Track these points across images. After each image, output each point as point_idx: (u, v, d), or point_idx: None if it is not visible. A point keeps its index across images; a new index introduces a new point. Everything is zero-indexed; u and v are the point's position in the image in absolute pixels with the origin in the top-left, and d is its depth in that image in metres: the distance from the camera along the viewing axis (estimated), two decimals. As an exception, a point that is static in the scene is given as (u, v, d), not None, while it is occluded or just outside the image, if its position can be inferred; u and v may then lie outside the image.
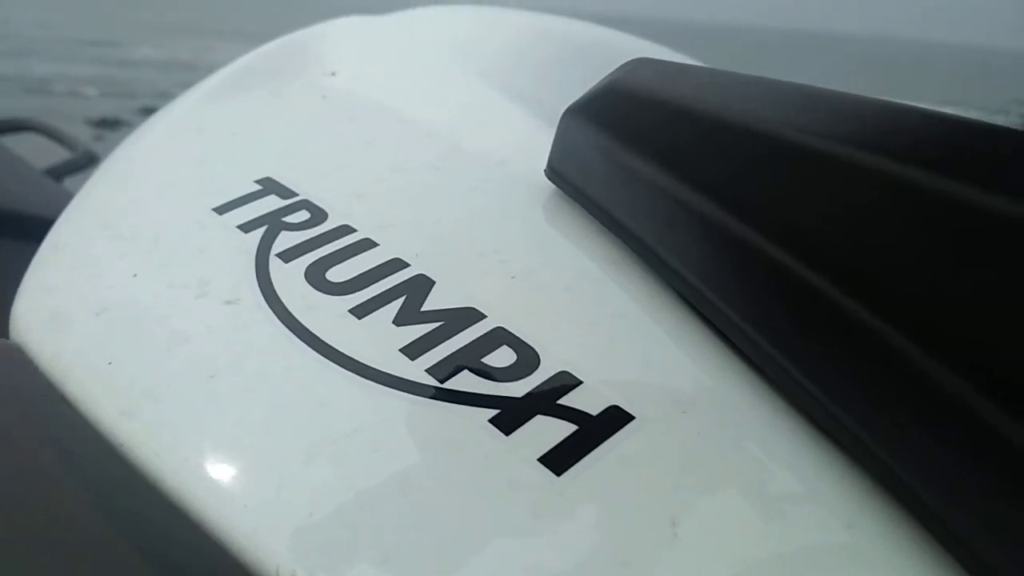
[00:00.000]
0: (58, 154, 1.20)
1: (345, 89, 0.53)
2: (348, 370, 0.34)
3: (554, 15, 0.63)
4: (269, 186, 0.46)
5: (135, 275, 0.41)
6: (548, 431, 0.32)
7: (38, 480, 0.33)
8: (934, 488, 0.26)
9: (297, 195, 0.45)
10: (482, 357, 0.35)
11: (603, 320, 0.37)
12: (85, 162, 1.17)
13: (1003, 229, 0.25)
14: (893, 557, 0.28)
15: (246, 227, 0.43)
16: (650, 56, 0.43)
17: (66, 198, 1.02)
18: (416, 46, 0.57)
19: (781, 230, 0.30)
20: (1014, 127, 0.28)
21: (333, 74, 0.54)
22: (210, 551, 0.30)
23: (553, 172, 0.44)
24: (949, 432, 0.25)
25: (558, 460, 0.31)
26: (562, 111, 0.44)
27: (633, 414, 0.32)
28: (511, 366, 0.35)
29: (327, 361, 0.35)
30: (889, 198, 0.27)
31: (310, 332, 0.36)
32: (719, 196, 0.32)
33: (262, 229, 0.42)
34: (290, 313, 0.37)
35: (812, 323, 0.29)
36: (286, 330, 0.37)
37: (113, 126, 5.92)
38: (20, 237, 0.94)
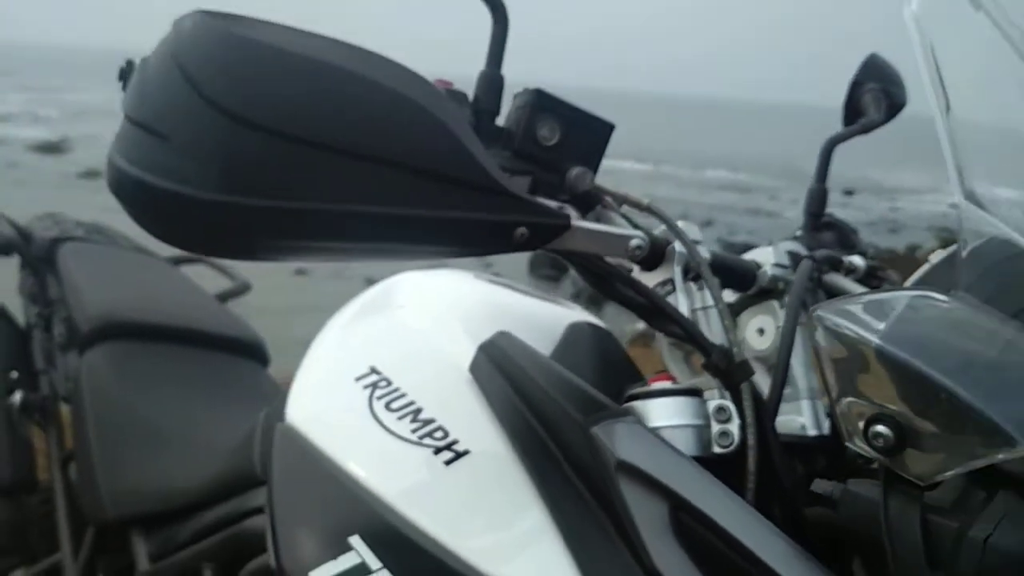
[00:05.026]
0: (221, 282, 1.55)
1: (413, 315, 0.81)
2: None
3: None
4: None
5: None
6: None
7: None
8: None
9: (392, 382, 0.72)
10: None
11: None
12: (242, 289, 1.50)
13: None
14: None
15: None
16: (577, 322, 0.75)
17: (229, 317, 1.37)
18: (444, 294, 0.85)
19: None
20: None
21: (402, 306, 0.82)
22: None
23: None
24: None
25: None
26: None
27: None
28: None
29: None
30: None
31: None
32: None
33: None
34: None
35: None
36: None
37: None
38: (199, 347, 1.28)
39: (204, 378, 1.23)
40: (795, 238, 0.84)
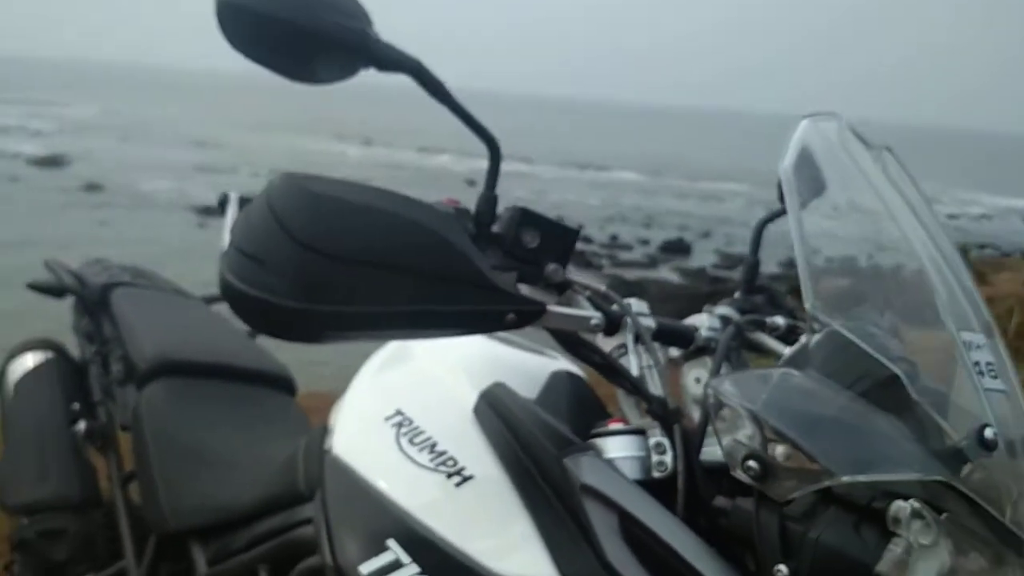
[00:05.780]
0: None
1: (429, 367, 1.01)
2: None
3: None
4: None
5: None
6: None
7: None
8: None
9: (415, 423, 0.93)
10: None
11: None
12: None
13: None
14: None
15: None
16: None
17: (260, 352, 1.57)
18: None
19: None
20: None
21: (419, 359, 1.02)
22: None
23: None
24: None
25: None
26: None
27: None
28: None
29: None
30: None
31: None
32: None
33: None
34: None
35: None
36: None
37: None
38: (238, 381, 1.48)
39: (243, 408, 1.44)
40: (732, 301, 1.04)
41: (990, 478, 0.66)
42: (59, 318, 1.87)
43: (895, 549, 0.62)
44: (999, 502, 0.66)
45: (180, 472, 1.30)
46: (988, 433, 0.65)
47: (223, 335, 1.63)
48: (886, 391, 0.69)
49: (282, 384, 1.56)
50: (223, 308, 1.81)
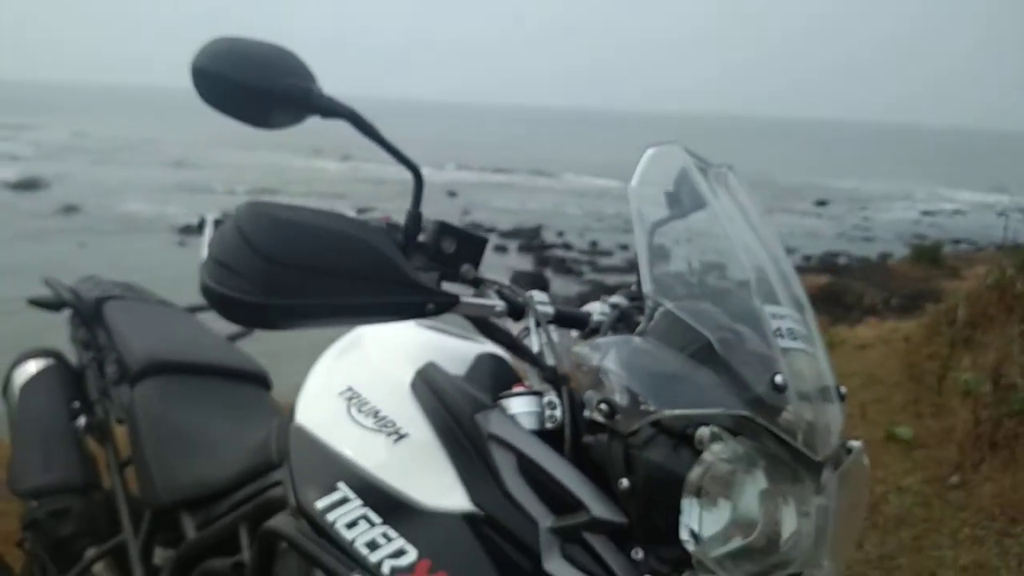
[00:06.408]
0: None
1: (374, 352, 1.22)
2: None
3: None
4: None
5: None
6: None
7: None
8: None
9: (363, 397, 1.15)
10: None
11: None
12: (246, 332, 1.91)
13: None
14: None
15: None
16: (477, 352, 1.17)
17: (239, 353, 1.78)
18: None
19: None
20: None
21: (367, 346, 1.23)
22: None
23: None
24: None
25: None
26: None
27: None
28: None
29: None
30: None
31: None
32: None
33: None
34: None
35: None
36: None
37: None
38: (220, 378, 1.69)
39: (225, 401, 1.65)
40: (626, 291, 1.25)
41: (786, 414, 0.88)
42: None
43: (701, 464, 0.84)
44: (792, 432, 0.87)
45: (171, 455, 1.50)
46: (778, 379, 0.87)
47: (206, 339, 1.84)
48: (705, 353, 0.91)
49: (258, 380, 1.77)
50: (205, 316, 2.03)
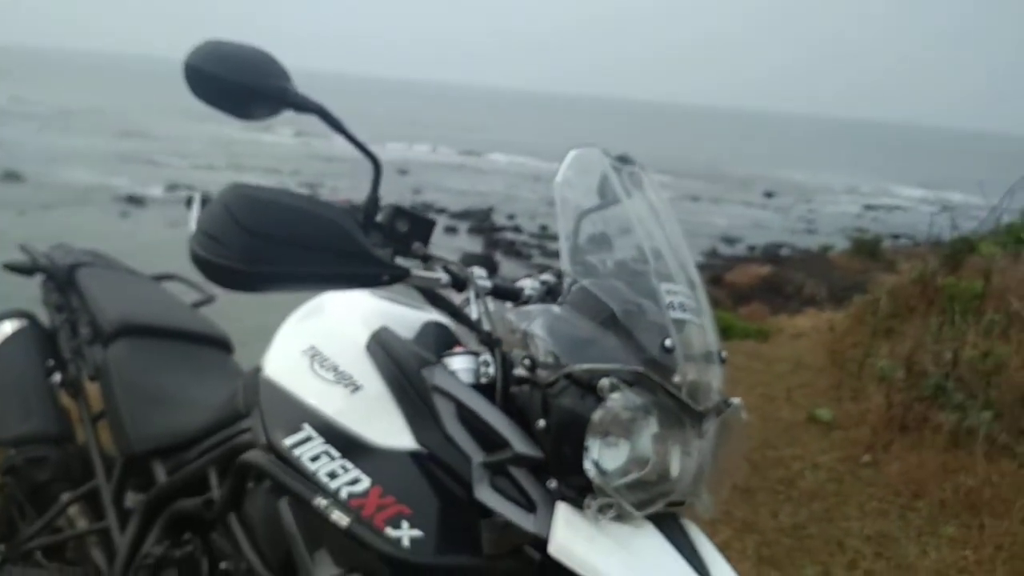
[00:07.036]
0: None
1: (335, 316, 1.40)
2: None
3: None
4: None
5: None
6: None
7: None
8: None
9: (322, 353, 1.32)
10: None
11: None
12: (209, 300, 2.06)
13: None
14: None
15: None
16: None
17: (203, 319, 1.94)
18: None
19: None
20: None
21: (329, 311, 1.39)
22: None
23: None
24: None
25: None
26: None
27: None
28: None
29: None
30: None
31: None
32: None
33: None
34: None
35: None
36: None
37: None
38: (186, 341, 1.84)
39: (191, 362, 1.80)
40: (555, 269, 1.44)
41: (676, 374, 1.07)
42: None
43: (602, 408, 1.02)
44: (679, 387, 1.06)
45: (144, 408, 1.66)
46: (668, 343, 1.06)
47: (174, 305, 2.00)
48: (611, 321, 1.10)
49: (221, 344, 1.92)
50: (170, 285, 2.17)
